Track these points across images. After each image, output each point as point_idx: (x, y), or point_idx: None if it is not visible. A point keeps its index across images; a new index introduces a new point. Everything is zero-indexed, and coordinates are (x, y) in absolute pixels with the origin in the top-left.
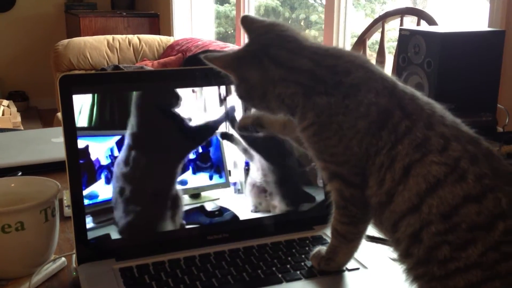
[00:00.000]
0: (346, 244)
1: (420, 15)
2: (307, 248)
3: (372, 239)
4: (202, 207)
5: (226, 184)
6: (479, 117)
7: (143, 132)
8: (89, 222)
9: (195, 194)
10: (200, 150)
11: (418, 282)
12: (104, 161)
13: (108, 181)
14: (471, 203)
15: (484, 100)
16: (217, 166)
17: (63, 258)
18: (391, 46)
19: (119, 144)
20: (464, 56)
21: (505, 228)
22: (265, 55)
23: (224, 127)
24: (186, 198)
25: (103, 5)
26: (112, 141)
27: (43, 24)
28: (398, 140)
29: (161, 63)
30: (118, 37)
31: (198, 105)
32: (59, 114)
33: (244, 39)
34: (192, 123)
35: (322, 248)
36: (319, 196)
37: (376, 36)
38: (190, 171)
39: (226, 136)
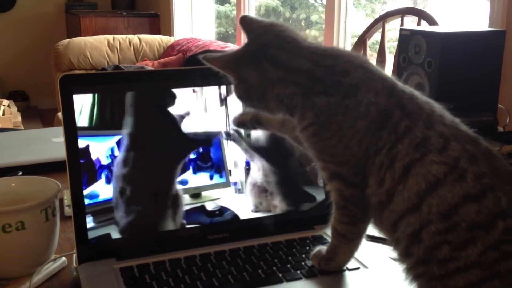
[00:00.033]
0: (347, 243)
1: (421, 15)
2: (307, 248)
3: (372, 238)
4: (203, 207)
5: (227, 184)
6: (479, 117)
7: (143, 132)
8: (90, 222)
9: (195, 194)
10: (201, 149)
11: (418, 281)
12: (105, 161)
13: (108, 180)
14: (471, 202)
15: (485, 100)
16: (217, 166)
17: (64, 258)
18: (391, 46)
19: (120, 143)
20: (465, 56)
21: (505, 227)
22: (263, 55)
23: (226, 127)
24: (186, 198)
25: (104, 5)
26: (112, 140)
27: (44, 24)
28: (398, 140)
29: (162, 63)
30: (119, 37)
31: (198, 105)
32: (60, 114)
33: (244, 39)
34: (192, 123)
35: (323, 248)
36: (320, 196)
37: (376, 36)
38: (190, 170)
39: (229, 135)
